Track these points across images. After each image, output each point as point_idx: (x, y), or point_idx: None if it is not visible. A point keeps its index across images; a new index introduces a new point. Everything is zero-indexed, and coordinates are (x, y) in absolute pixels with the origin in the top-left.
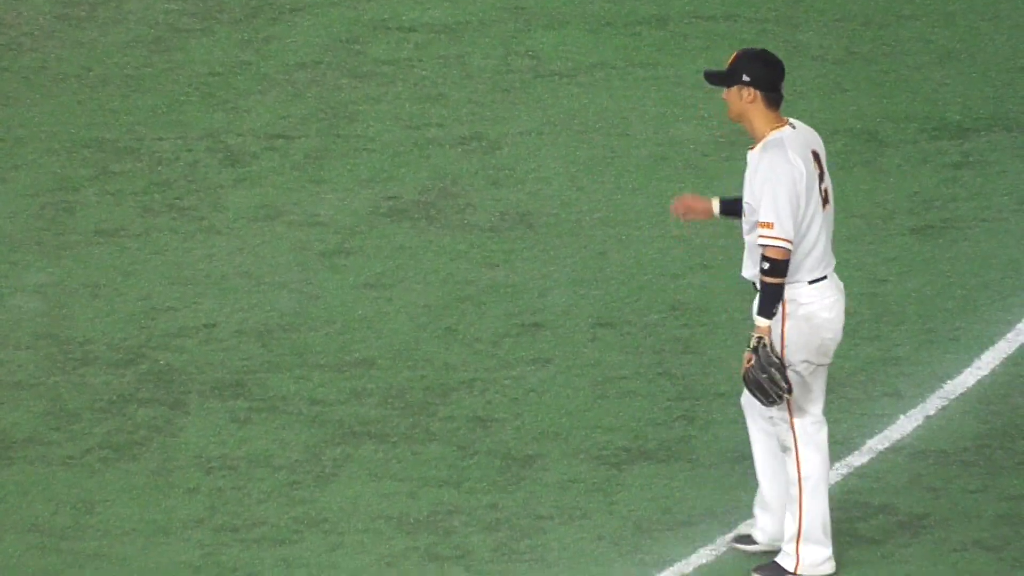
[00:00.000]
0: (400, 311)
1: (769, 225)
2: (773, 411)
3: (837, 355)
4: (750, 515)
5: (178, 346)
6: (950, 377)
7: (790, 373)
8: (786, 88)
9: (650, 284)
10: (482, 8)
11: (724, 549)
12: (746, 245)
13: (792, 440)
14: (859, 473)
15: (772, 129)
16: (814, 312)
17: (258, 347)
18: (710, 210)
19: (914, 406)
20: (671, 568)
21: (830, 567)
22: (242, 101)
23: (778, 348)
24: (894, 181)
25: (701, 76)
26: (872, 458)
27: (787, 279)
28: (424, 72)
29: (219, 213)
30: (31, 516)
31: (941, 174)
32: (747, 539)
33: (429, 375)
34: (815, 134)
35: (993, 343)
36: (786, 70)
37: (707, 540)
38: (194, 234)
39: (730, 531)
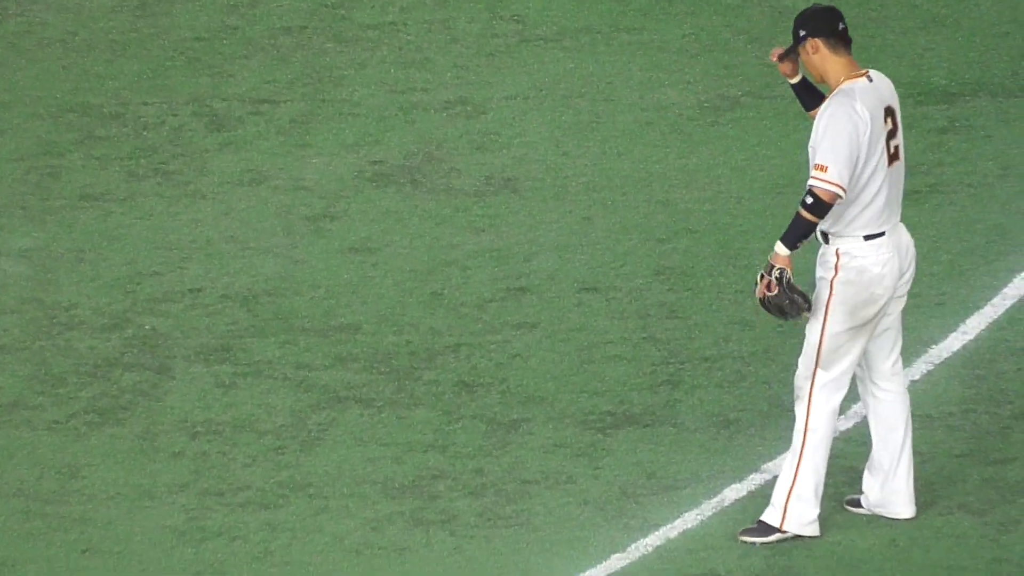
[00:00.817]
0: (385, 276)
1: (823, 168)
2: (800, 359)
3: None
4: (735, 479)
5: (163, 311)
6: (935, 342)
7: (830, 327)
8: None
9: (635, 249)
10: None
11: (709, 513)
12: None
13: (808, 390)
14: (844, 438)
15: (847, 79)
16: (866, 267)
17: (243, 312)
18: (793, 75)
19: None
20: (656, 532)
21: (815, 529)
22: (227, 66)
23: (825, 296)
24: None
25: (686, 41)
26: (857, 423)
27: (841, 231)
28: (409, 37)
29: (204, 178)
30: (16, 480)
31: (927, 139)
32: (855, 502)
33: (414, 340)
34: (892, 90)
35: (979, 307)
36: (809, 22)
37: (692, 504)
38: (179, 199)
39: (715, 495)
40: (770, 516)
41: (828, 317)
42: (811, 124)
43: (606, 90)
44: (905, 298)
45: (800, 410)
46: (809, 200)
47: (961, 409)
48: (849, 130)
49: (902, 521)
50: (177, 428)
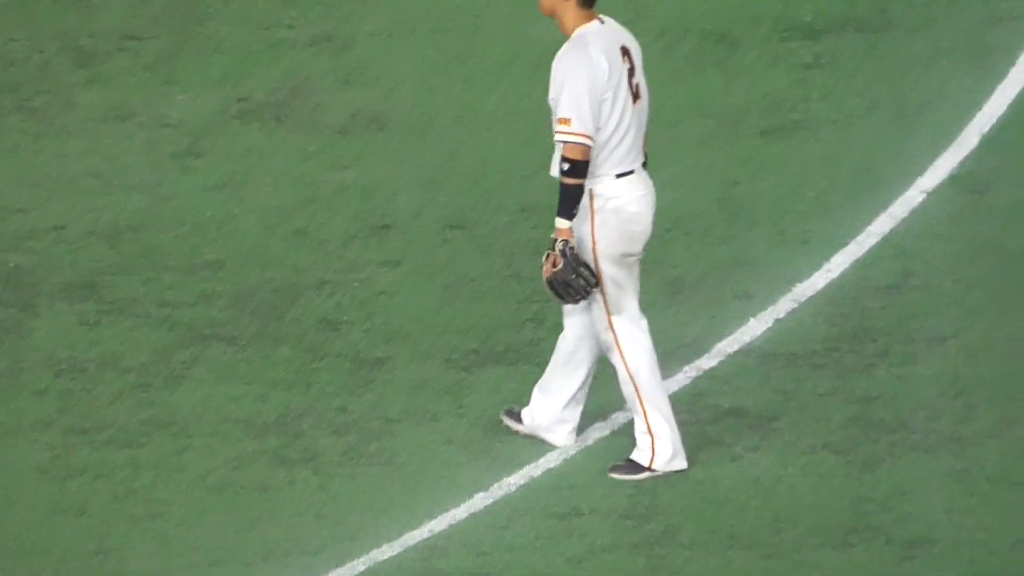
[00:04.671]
0: (250, 213)
1: (567, 121)
2: (593, 315)
3: (687, 258)
4: (599, 418)
5: (28, 247)
6: (800, 279)
7: (605, 269)
8: None
9: (500, 185)
10: None
11: (573, 451)
12: (555, 144)
13: (613, 340)
14: (709, 375)
15: (578, 25)
16: (622, 206)
17: (108, 249)
18: None
19: (764, 308)
20: (520, 471)
21: (681, 462)
22: (94, 1)
23: (588, 244)
24: (746, 82)
25: None
26: (722, 360)
27: (593, 173)
28: None
29: (70, 114)
30: None
31: (793, 75)
32: (516, 416)
33: (278, 277)
34: (626, 32)
35: (844, 245)
36: None
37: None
38: (45, 135)
39: (578, 435)
40: (639, 456)
41: (600, 264)
42: (678, 63)
43: (472, 25)
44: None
45: (616, 360)
46: (566, 166)
47: (825, 347)
48: (587, 79)
49: (767, 459)
50: (41, 365)
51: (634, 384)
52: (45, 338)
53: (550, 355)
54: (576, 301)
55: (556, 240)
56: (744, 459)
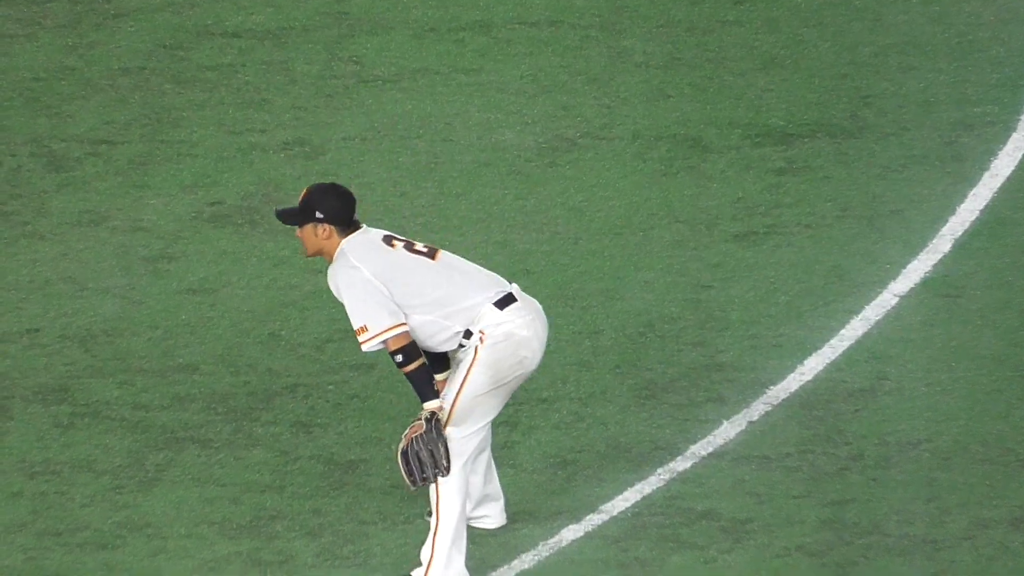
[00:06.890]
0: (223, 316)
1: (364, 330)
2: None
3: (660, 361)
4: (572, 520)
5: (2, 351)
6: (773, 383)
7: (470, 388)
8: (609, 96)
9: None
10: (305, 13)
11: (547, 554)
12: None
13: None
14: (682, 478)
15: (339, 244)
16: (512, 331)
17: (81, 352)
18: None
19: (738, 411)
20: (493, 573)
21: None
22: (66, 106)
23: (468, 362)
24: (718, 187)
25: (524, 82)
26: (695, 463)
27: (473, 319)
28: (247, 78)
29: (43, 218)
30: None
31: (765, 180)
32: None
33: (252, 380)
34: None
35: (816, 349)
36: (329, 210)
37: (529, 546)
38: (17, 239)
39: (553, 536)
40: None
41: (469, 378)
42: (651, 168)
43: (444, 131)
44: None
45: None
46: (399, 358)
47: (799, 450)
48: (359, 284)
49: (740, 562)
50: (15, 468)
51: (438, 495)
52: (19, 441)
53: (524, 458)
54: (421, 479)
55: (423, 414)
56: (718, 562)
